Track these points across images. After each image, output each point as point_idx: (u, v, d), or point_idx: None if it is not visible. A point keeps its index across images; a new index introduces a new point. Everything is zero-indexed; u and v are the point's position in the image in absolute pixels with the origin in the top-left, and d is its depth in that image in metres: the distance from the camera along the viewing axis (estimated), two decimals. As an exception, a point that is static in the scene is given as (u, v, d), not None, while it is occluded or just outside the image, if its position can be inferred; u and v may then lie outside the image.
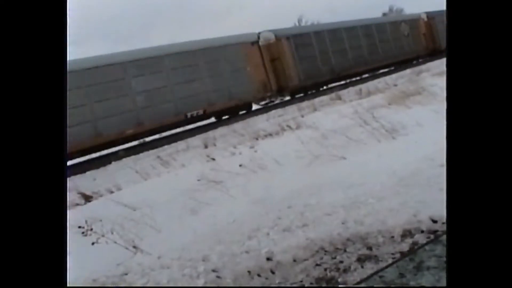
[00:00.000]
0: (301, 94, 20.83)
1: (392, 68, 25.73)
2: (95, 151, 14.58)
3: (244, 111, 18.70)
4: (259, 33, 20.41)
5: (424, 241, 3.31)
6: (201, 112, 17.15)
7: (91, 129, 14.23)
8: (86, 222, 4.72)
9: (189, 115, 16.84)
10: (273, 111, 16.83)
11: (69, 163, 13.07)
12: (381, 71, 24.97)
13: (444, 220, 3.31)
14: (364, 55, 24.30)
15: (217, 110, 17.87)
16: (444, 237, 3.04)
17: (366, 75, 24.25)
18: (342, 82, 22.55)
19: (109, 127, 14.57)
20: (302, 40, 21.32)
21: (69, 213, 4.06)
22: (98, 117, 14.38)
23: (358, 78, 23.62)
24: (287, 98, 21.03)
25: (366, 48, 24.54)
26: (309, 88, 21.31)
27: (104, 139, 14.50)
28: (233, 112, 18.33)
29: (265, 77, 19.61)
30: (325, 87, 21.97)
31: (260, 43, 19.94)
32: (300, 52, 20.93)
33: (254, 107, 19.93)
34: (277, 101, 20.86)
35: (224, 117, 18.16)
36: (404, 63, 25.95)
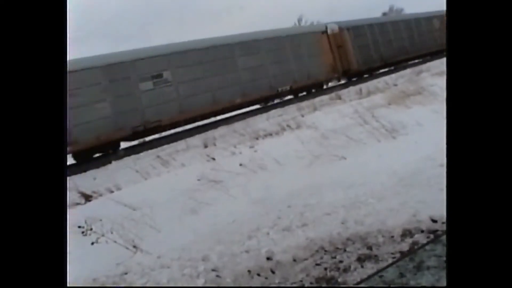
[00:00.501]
0: (356, 78, 23.59)
1: (428, 57, 28.03)
2: (212, 116, 17.57)
3: (315, 89, 21.31)
4: (327, 24, 23.25)
5: (424, 241, 3.31)
6: (288, 88, 19.86)
7: (210, 97, 17.05)
8: (86, 221, 4.72)
9: (280, 89, 19.48)
10: (273, 111, 16.82)
11: (69, 163, 13.08)
12: (410, 62, 27.11)
13: (444, 220, 3.31)
14: (406, 46, 26.98)
15: (299, 87, 20.39)
16: (444, 237, 3.04)
17: (409, 63, 26.79)
18: (386, 69, 25.38)
19: (223, 97, 17.37)
20: (358, 31, 23.76)
21: (69, 213, 4.06)
22: (215, 88, 17.08)
23: (403, 64, 26.19)
24: (343, 81, 23.76)
25: (407, 39, 27.27)
26: (365, 72, 23.92)
27: (219, 106, 17.28)
28: (308, 89, 20.96)
29: (333, 61, 22.24)
30: (376, 72, 24.78)
31: (328, 33, 22.54)
32: (358, 41, 23.44)
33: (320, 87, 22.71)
34: (342, 81, 23.66)
35: (300, 94, 20.38)
36: (436, 54, 28.10)
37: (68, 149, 12.87)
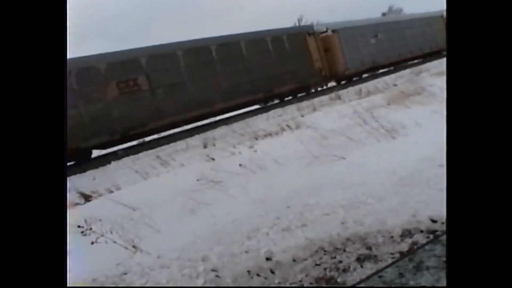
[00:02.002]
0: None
1: (423, 58, 29.04)
2: (359, 76, 24.64)
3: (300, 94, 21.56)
4: (314, 26, 25.38)
5: (424, 241, 3.31)
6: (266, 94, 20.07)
7: (359, 62, 24.35)
8: (85, 221, 4.72)
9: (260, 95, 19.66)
10: (273, 111, 16.84)
11: (68, 163, 13.08)
12: (406, 63, 27.79)
13: (444, 220, 3.31)
14: (399, 47, 27.49)
15: (281, 92, 20.69)
16: (444, 237, 3.05)
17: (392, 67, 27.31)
18: (377, 73, 26.16)
19: (364, 63, 24.60)
20: (347, 33, 24.33)
21: (68, 213, 4.05)
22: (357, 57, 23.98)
23: (397, 66, 27.11)
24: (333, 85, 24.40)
25: (400, 41, 27.72)
26: (355, 75, 24.73)
27: (360, 69, 24.64)
28: (293, 94, 21.12)
29: (320, 64, 23.15)
30: (365, 75, 25.76)
31: (316, 35, 23.47)
32: (347, 43, 23.97)
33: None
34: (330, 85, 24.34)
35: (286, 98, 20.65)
36: (432, 55, 29.25)
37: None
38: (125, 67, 15.30)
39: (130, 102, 15.18)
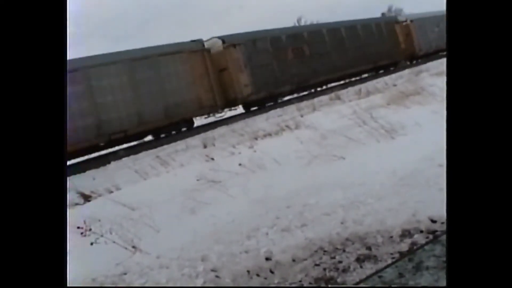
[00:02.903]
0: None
1: (372, 73, 27.81)
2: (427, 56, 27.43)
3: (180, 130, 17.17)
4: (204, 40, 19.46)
5: (423, 241, 3.31)
6: (122, 134, 15.64)
7: (428, 45, 28.31)
8: (85, 222, 4.71)
9: (112, 136, 15.43)
10: (272, 111, 16.84)
11: (68, 163, 13.08)
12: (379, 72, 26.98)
13: (443, 220, 3.32)
14: (333, 61, 24.07)
15: (146, 130, 16.33)
16: (443, 237, 3.05)
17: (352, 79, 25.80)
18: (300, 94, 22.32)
19: (431, 46, 28.59)
20: (254, 46, 19.96)
21: (68, 213, 4.05)
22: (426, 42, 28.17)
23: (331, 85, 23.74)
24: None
25: (335, 52, 24.28)
26: (266, 100, 20.16)
27: (428, 51, 28.17)
28: (168, 131, 16.82)
29: (210, 90, 18.25)
30: (284, 99, 22.46)
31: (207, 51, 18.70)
32: (254, 59, 19.61)
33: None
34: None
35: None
36: (384, 68, 29.73)
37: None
38: (295, 38, 21.71)
39: (299, 63, 21.25)
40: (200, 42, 18.27)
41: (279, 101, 20.38)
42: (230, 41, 18.84)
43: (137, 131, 15.94)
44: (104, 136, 15.17)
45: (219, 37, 18.89)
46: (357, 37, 24.70)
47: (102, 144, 15.31)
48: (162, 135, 16.45)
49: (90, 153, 15.17)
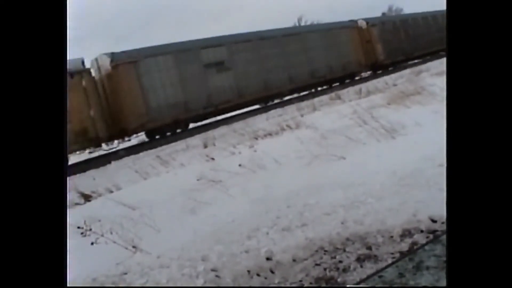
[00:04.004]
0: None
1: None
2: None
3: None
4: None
5: (424, 241, 3.31)
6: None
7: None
8: (85, 222, 4.72)
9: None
10: (273, 111, 16.85)
11: (68, 163, 13.08)
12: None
13: (444, 220, 3.31)
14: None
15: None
16: (444, 237, 3.04)
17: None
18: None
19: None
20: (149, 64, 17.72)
21: (68, 213, 4.06)
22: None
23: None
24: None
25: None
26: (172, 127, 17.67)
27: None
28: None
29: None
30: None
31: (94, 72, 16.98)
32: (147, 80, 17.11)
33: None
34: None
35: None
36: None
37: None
38: (403, 23, 28.49)
39: (406, 40, 27.78)
40: (355, 21, 26.06)
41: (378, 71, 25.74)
42: (371, 23, 26.18)
43: (290, 87, 20.99)
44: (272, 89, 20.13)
45: (364, 19, 26.28)
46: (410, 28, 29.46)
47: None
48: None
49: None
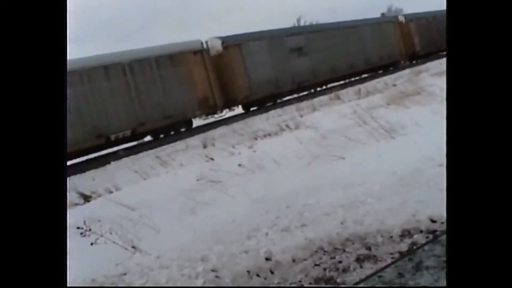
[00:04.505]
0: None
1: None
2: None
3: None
4: None
5: (423, 241, 3.31)
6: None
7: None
8: (84, 222, 4.72)
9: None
10: (272, 111, 16.84)
11: (68, 163, 13.08)
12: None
13: (443, 220, 3.32)
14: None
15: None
16: (443, 237, 3.05)
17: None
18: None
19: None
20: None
21: (68, 213, 4.06)
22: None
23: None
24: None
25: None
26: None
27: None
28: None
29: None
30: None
31: None
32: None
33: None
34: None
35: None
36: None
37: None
38: (435, 19, 28.85)
39: (438, 35, 27.69)
40: (396, 17, 30.33)
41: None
42: (409, 18, 28.89)
43: (351, 72, 24.19)
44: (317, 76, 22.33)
45: (404, 15, 30.26)
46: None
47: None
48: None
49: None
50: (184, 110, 16.97)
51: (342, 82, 23.46)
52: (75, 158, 14.08)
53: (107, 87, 15.13)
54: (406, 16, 30.15)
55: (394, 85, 15.41)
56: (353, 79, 24.30)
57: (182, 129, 16.86)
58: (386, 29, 27.77)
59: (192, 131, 16.03)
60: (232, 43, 18.98)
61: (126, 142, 15.86)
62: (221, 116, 18.67)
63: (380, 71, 25.93)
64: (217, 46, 18.75)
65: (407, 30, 28.92)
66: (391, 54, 27.49)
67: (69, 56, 2.57)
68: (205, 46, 18.36)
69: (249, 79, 19.09)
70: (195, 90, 17.24)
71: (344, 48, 23.70)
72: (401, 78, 18.31)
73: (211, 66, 17.99)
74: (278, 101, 20.58)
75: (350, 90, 18.10)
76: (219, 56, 18.71)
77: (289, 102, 18.42)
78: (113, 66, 15.41)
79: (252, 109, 19.46)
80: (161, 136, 16.40)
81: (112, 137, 15.12)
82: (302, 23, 48.93)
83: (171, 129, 16.67)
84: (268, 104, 19.60)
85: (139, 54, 16.36)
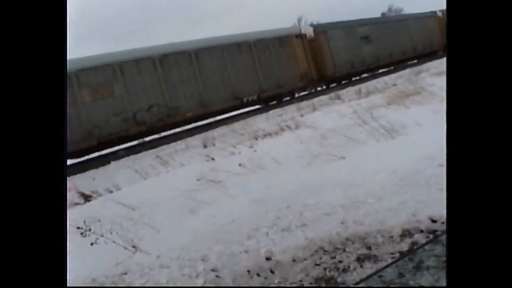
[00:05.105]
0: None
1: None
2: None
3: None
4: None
5: (424, 241, 3.31)
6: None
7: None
8: (85, 222, 4.72)
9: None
10: (272, 111, 16.84)
11: (68, 162, 13.09)
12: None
13: (443, 219, 3.31)
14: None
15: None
16: (443, 237, 3.05)
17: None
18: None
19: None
20: None
21: (68, 213, 4.06)
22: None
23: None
24: None
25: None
26: None
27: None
28: None
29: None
30: None
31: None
32: None
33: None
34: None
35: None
36: None
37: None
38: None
39: None
40: (435, 12, 30.58)
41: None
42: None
43: (403, 58, 27.63)
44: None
45: (441, 10, 29.83)
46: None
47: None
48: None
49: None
50: (291, 82, 21.11)
51: (392, 68, 27.02)
52: (219, 115, 18.35)
53: (240, 61, 19.22)
54: (443, 10, 30.85)
55: (395, 85, 15.42)
56: (408, 62, 27.73)
57: (287, 98, 20.81)
58: (427, 23, 30.38)
59: (192, 131, 16.03)
60: (320, 30, 23.41)
61: (253, 105, 19.95)
62: (316, 90, 22.94)
63: (424, 58, 28.67)
64: (310, 32, 23.11)
65: (444, 24, 31.07)
66: (432, 44, 30.20)
67: (69, 56, 2.57)
68: (302, 31, 22.92)
69: (333, 60, 23.03)
70: (298, 66, 21.50)
71: (397, 38, 27.34)
72: (401, 78, 18.31)
73: (308, 48, 22.25)
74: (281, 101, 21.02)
75: (351, 89, 18.11)
76: (311, 40, 22.81)
77: (289, 102, 18.47)
78: (243, 44, 19.57)
79: (331, 85, 23.19)
80: (273, 102, 20.43)
81: (245, 100, 19.19)
82: (302, 23, 48.97)
83: (281, 97, 20.81)
84: (344, 82, 23.83)
85: (260, 35, 20.65)
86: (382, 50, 26.27)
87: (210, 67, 17.86)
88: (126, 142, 15.48)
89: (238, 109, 19.16)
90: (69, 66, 14.42)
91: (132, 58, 15.83)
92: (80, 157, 14.08)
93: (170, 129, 16.83)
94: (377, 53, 25.92)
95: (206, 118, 17.77)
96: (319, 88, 23.29)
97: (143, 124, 15.77)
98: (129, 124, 15.41)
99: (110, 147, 15.02)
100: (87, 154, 14.51)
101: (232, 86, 18.65)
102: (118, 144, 15.24)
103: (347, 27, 24.91)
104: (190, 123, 17.35)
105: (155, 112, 16.17)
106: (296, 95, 21.67)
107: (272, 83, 20.06)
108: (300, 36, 22.34)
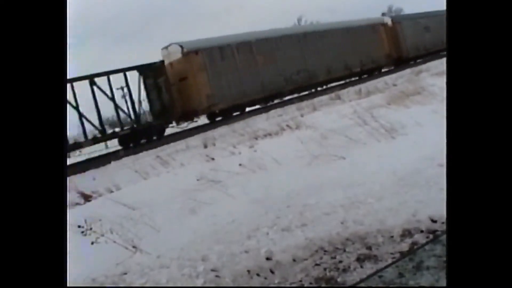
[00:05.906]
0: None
1: None
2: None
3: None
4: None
5: (424, 241, 3.31)
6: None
7: None
8: (85, 221, 4.72)
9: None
10: (273, 111, 16.85)
11: (68, 162, 13.09)
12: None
13: (443, 220, 3.31)
14: None
15: None
16: (444, 237, 3.05)
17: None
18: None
19: None
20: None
21: (68, 213, 4.06)
22: None
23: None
24: None
25: None
26: None
27: None
28: None
29: None
30: None
31: None
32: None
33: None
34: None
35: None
36: None
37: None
38: None
39: None
40: None
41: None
42: None
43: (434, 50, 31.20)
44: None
45: None
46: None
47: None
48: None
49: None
50: (380, 59, 28.67)
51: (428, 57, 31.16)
52: (338, 81, 25.37)
53: (349, 42, 26.48)
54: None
55: (395, 85, 15.41)
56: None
57: (375, 73, 27.93)
58: (444, 20, 35.50)
59: (192, 131, 16.07)
60: (397, 21, 30.60)
61: (358, 75, 27.37)
62: (396, 66, 29.18)
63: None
64: (389, 22, 30.28)
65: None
66: None
67: (69, 56, 2.57)
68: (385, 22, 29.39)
69: (406, 44, 29.84)
70: (384, 48, 28.92)
71: (438, 30, 30.06)
72: (401, 78, 18.30)
73: (389, 34, 29.10)
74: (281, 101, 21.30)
75: (351, 89, 18.11)
76: (389, 28, 29.58)
77: (289, 102, 18.49)
78: (351, 29, 27.42)
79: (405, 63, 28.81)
80: (364, 76, 27.20)
81: (353, 70, 26.75)
82: (302, 23, 49.00)
83: (373, 70, 28.25)
84: (385, 69, 29.66)
85: (359, 23, 28.65)
86: (435, 39, 31.07)
87: (330, 45, 25.08)
88: (282, 97, 22.08)
89: (349, 77, 26.43)
90: (247, 37, 22.60)
91: (283, 34, 23.73)
92: (253, 106, 21.04)
93: (311, 88, 24.03)
94: (434, 40, 31.16)
95: (330, 82, 24.63)
96: (392, 67, 29.43)
97: (295, 83, 22.83)
98: (287, 82, 22.39)
99: (272, 101, 21.83)
100: (258, 104, 21.31)
101: (345, 60, 25.86)
102: (278, 98, 22.05)
103: (413, 19, 31.64)
104: (321, 85, 24.49)
105: (302, 75, 23.26)
106: (382, 70, 28.89)
107: (368, 59, 27.52)
108: (384, 25, 29.69)
